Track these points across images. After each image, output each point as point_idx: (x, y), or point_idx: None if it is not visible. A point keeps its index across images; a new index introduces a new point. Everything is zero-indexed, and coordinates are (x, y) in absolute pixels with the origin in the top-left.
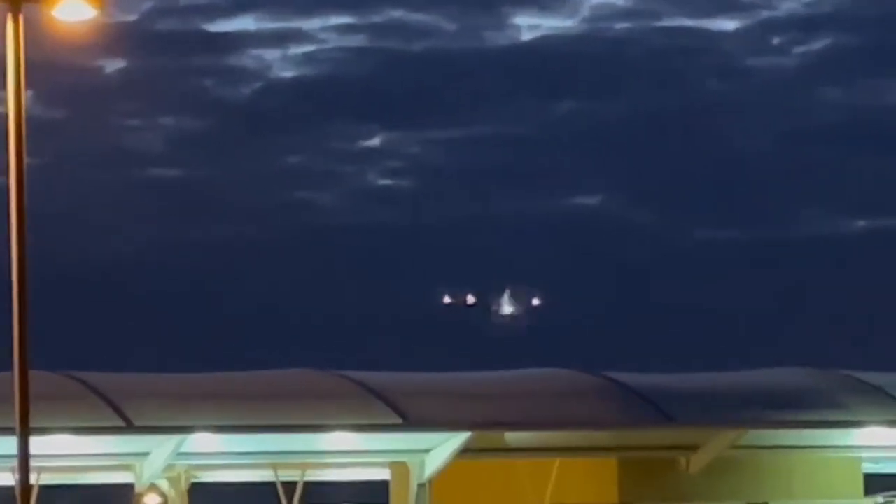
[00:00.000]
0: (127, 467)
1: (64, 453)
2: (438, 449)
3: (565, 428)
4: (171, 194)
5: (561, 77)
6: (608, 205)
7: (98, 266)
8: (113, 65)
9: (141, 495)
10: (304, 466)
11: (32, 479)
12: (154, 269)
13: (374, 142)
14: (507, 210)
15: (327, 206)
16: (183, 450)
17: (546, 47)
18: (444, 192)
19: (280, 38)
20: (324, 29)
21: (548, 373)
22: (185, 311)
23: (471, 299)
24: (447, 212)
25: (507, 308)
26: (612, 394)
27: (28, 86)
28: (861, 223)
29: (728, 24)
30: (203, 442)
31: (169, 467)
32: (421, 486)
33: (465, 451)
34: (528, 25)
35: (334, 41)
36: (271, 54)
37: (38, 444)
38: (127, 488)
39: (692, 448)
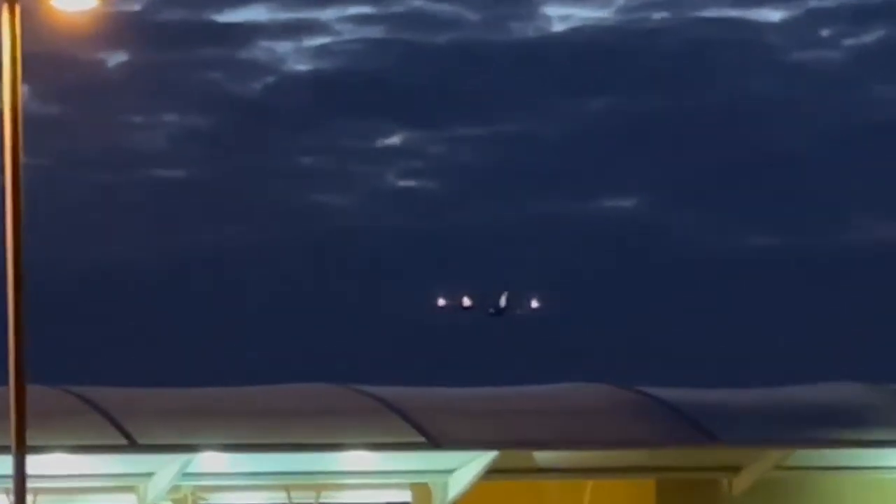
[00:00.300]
0: (129, 489)
1: (62, 474)
2: (463, 469)
3: (599, 447)
4: (175, 196)
5: (594, 71)
6: (644, 208)
7: (98, 272)
8: (115, 58)
9: None
10: (318, 488)
11: (29, 501)
12: (157, 275)
13: (394, 140)
14: (536, 214)
15: (343, 210)
16: (189, 470)
17: (578, 39)
18: (468, 195)
19: (293, 30)
20: (340, 19)
21: (579, 387)
22: (190, 320)
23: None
24: (472, 216)
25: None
26: (649, 410)
27: (24, 81)
28: None
29: (773, 15)
30: (211, 462)
31: (174, 489)
32: None
33: (491, 471)
34: (559, 16)
35: (351, 32)
36: (284, 47)
37: (35, 464)
38: None
39: (735, 469)
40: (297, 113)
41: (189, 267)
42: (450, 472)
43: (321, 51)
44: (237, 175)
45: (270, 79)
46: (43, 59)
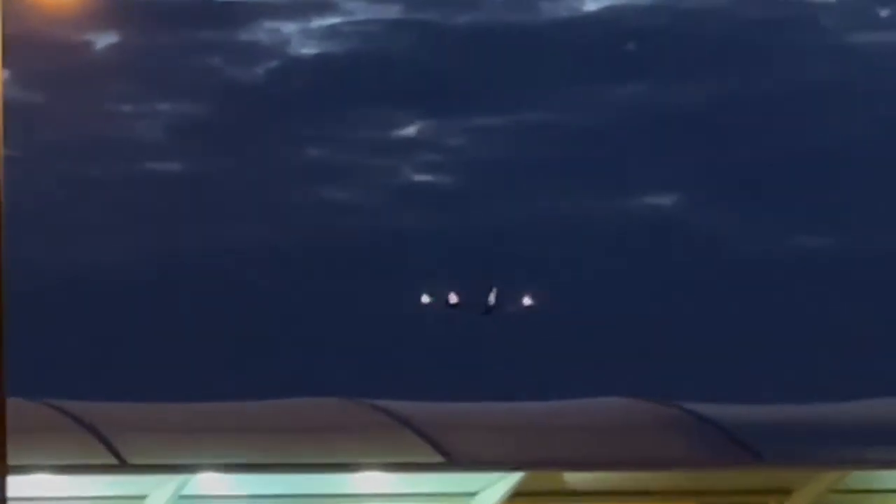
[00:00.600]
0: None
1: (46, 496)
2: (486, 492)
3: (635, 468)
4: (170, 192)
5: (629, 56)
6: (684, 206)
7: (85, 275)
8: (104, 40)
9: None
10: None
11: None
12: (150, 278)
13: (410, 131)
14: (564, 211)
15: (354, 206)
16: (186, 492)
17: (612, 20)
18: (490, 190)
19: (300, 9)
20: None
21: (612, 402)
22: (184, 327)
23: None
24: (493, 213)
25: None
26: (689, 427)
27: (4, 65)
28: None
29: None
30: (209, 483)
31: None
32: None
33: (516, 494)
34: None
35: (364, 12)
36: (290, 28)
37: (17, 485)
38: None
39: (785, 492)
40: (303, 100)
41: (184, 269)
42: (471, 495)
43: (330, 32)
44: (237, 168)
45: (274, 63)
46: (24, 41)
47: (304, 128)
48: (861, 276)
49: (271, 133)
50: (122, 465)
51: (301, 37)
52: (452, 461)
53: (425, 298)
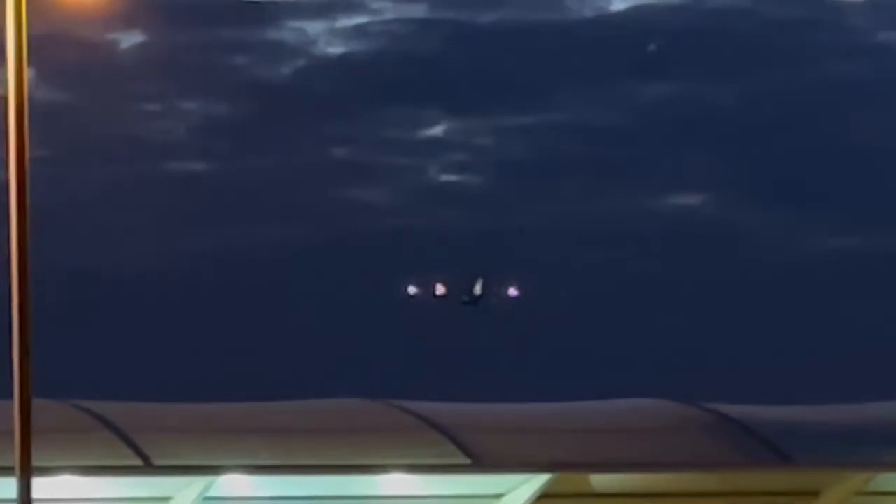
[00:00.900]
0: None
1: (71, 497)
2: (513, 494)
3: (664, 469)
4: (195, 191)
5: (656, 55)
6: (711, 206)
7: (110, 276)
8: (129, 39)
9: None
10: None
11: None
12: (174, 278)
13: (437, 131)
14: (591, 211)
15: (381, 206)
16: (211, 494)
17: (640, 19)
18: (517, 189)
19: (326, 8)
20: None
21: (640, 404)
22: (209, 326)
23: (476, 289)
24: (520, 212)
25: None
26: (718, 429)
27: (30, 64)
28: None
29: None
30: (234, 485)
31: None
32: None
33: (544, 496)
34: None
35: (390, 12)
36: (316, 27)
37: (42, 487)
38: None
39: (813, 493)
40: (329, 100)
41: (208, 269)
42: (499, 497)
43: (357, 31)
44: (263, 168)
45: (301, 62)
46: (50, 40)
47: (330, 127)
48: (893, 277)
49: (297, 133)
50: (148, 467)
51: (327, 36)
52: (479, 462)
53: (411, 289)
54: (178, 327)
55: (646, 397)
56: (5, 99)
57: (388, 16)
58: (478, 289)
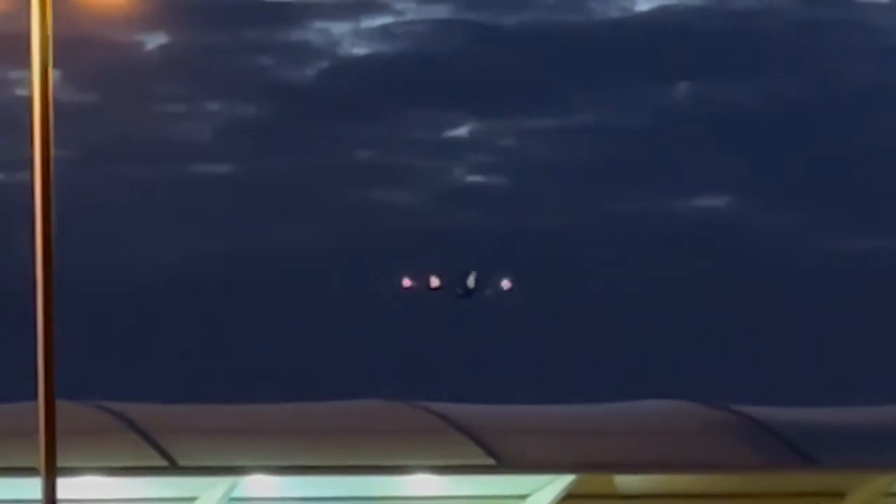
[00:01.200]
0: None
1: (96, 498)
2: (537, 495)
3: (687, 471)
4: (220, 194)
5: (681, 56)
6: (736, 207)
7: (134, 277)
8: (154, 40)
9: None
10: None
11: None
12: (199, 280)
13: (461, 132)
14: (616, 212)
15: (406, 208)
16: (236, 494)
17: (664, 21)
18: (541, 191)
19: (351, 9)
20: None
21: (663, 405)
22: (234, 327)
23: (469, 282)
24: (545, 214)
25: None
26: (742, 431)
27: (55, 65)
28: None
29: None
30: (259, 485)
31: None
32: None
33: (568, 497)
34: None
35: (415, 12)
36: (340, 28)
37: (66, 487)
38: None
39: (838, 495)
40: (353, 101)
41: (232, 270)
42: (522, 497)
43: (381, 32)
44: (287, 169)
45: (325, 63)
46: (74, 42)
47: (355, 129)
48: None
49: (321, 134)
50: (173, 467)
51: (351, 37)
52: (504, 463)
53: (406, 282)
54: (202, 328)
55: (668, 398)
56: (31, 100)
57: (412, 17)
58: (471, 281)
